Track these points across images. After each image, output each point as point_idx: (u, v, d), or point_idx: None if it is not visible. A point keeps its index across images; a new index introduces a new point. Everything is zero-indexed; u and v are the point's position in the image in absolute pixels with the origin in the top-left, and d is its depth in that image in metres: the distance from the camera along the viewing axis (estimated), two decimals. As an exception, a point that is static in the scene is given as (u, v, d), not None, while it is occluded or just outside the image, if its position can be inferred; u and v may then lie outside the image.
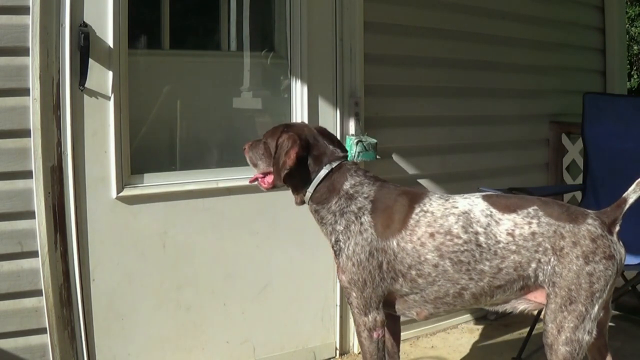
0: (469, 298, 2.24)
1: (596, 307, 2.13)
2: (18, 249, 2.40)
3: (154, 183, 2.73)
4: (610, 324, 3.54)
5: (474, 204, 2.23)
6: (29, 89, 2.37)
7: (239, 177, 2.93)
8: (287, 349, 3.09)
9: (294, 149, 2.22)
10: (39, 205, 2.41)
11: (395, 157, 3.37)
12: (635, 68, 10.98)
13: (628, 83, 9.52)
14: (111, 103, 2.55)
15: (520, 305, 2.27)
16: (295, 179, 2.28)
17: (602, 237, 2.16)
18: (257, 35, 3.62)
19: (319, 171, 2.26)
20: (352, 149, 3.09)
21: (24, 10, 2.34)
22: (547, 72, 4.09)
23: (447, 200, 2.26)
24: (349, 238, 2.22)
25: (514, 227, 2.17)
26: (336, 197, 2.24)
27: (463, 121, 3.65)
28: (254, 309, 2.98)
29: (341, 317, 3.23)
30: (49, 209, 2.41)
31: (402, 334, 3.40)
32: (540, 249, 2.15)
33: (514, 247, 2.16)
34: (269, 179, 2.37)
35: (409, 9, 3.36)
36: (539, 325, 3.21)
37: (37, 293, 2.43)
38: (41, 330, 2.44)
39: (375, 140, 3.13)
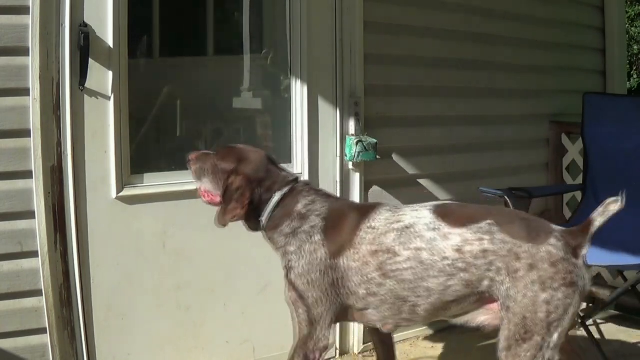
0: (424, 313, 2.11)
1: (555, 336, 1.96)
2: (18, 249, 2.40)
3: (154, 183, 2.73)
4: (610, 324, 3.57)
5: (420, 217, 2.09)
6: (29, 89, 2.37)
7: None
8: (287, 348, 3.08)
9: (245, 196, 2.17)
10: (39, 205, 2.40)
11: (395, 157, 3.37)
12: (635, 68, 10.98)
13: (628, 83, 9.51)
14: (111, 103, 2.55)
15: (480, 317, 2.11)
16: (248, 214, 2.22)
17: (564, 261, 1.96)
18: (256, 36, 3.62)
19: (271, 200, 2.20)
20: (352, 149, 3.09)
21: (24, 10, 2.34)
22: (547, 72, 4.09)
23: (394, 213, 2.13)
24: (301, 258, 2.14)
25: (463, 243, 2.00)
26: (288, 219, 2.17)
27: (463, 121, 3.65)
28: (254, 309, 2.98)
29: (341, 317, 3.23)
30: (49, 209, 2.41)
31: (402, 333, 3.42)
32: (493, 268, 1.97)
33: (462, 265, 2.00)
34: (213, 197, 2.28)
35: (409, 9, 3.36)
36: (539, 325, 3.21)
37: (37, 293, 2.43)
38: (41, 330, 2.44)
39: (375, 140, 3.13)
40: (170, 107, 3.36)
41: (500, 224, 2.02)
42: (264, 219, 2.21)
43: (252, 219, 2.23)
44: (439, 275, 2.02)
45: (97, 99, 2.52)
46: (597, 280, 3.76)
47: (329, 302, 2.14)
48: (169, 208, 2.75)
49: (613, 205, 2.02)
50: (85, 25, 2.44)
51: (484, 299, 2.06)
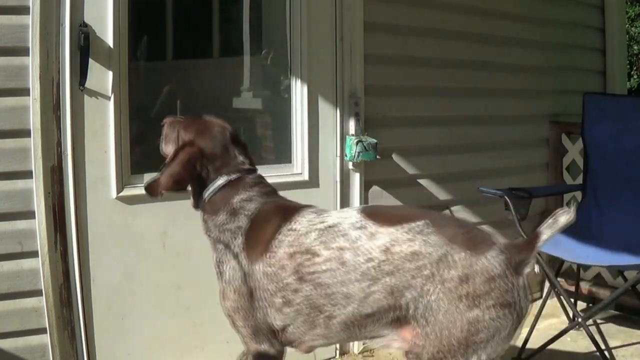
0: (339, 329, 1.91)
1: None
2: (18, 249, 2.40)
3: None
4: (610, 324, 3.57)
5: (346, 216, 1.92)
6: (29, 89, 2.37)
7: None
8: (288, 348, 3.08)
9: (185, 169, 2.04)
10: (39, 205, 2.40)
11: (395, 157, 3.37)
12: (635, 68, 10.98)
13: (628, 83, 9.51)
14: (111, 103, 2.54)
15: (396, 344, 1.90)
16: (196, 184, 2.11)
17: (501, 277, 1.75)
18: (256, 36, 3.62)
19: (215, 181, 2.07)
20: (352, 149, 3.09)
21: (24, 10, 2.34)
22: (547, 72, 4.09)
23: (319, 215, 1.98)
24: (227, 261, 2.01)
25: (393, 242, 1.81)
26: (224, 211, 2.04)
27: (463, 121, 3.65)
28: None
29: (341, 317, 3.23)
30: (49, 209, 2.41)
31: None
32: (422, 274, 1.77)
33: (388, 268, 1.80)
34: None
35: (409, 9, 3.36)
36: (539, 326, 3.22)
37: (37, 293, 2.43)
38: (41, 330, 2.44)
39: (375, 140, 3.13)
40: (171, 106, 3.36)
41: (437, 225, 1.83)
42: (205, 198, 2.08)
43: (197, 193, 2.11)
44: (361, 279, 1.83)
45: (97, 99, 2.52)
46: (597, 280, 3.76)
47: (254, 313, 1.98)
48: (169, 208, 2.75)
49: (563, 217, 1.82)
50: (85, 25, 2.44)
51: (400, 320, 1.84)
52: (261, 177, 2.17)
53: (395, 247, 1.81)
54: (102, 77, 2.52)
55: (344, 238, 1.87)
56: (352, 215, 1.93)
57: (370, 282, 1.82)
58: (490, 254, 1.78)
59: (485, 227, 3.70)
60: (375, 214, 1.92)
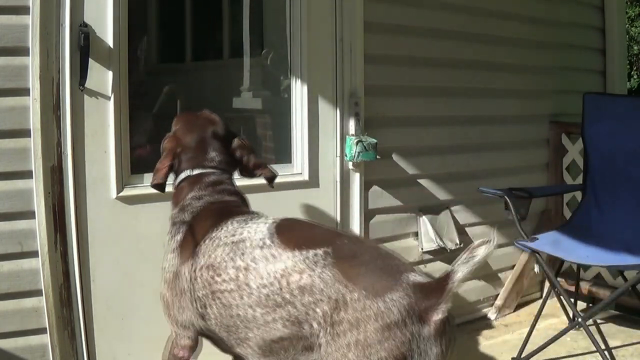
0: (258, 350, 1.78)
1: None
2: (18, 249, 2.40)
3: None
4: (610, 324, 3.57)
5: (257, 230, 1.80)
6: (29, 89, 2.37)
7: (238, 177, 2.92)
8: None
9: (167, 158, 2.09)
10: (39, 205, 2.40)
11: (395, 157, 3.37)
12: (635, 68, 10.98)
13: (628, 83, 9.51)
14: (111, 103, 2.54)
15: None
16: (173, 174, 2.15)
17: (400, 326, 1.50)
18: (256, 36, 3.62)
19: (181, 174, 2.10)
20: (352, 149, 3.09)
21: (24, 10, 2.34)
22: (547, 72, 4.08)
23: (242, 224, 1.87)
24: (167, 252, 2.00)
25: (289, 270, 1.66)
26: (177, 204, 2.07)
27: (463, 121, 3.65)
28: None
29: (341, 317, 3.23)
30: (49, 209, 2.41)
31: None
32: (315, 311, 1.59)
33: (282, 298, 1.65)
34: None
35: (409, 9, 3.36)
36: (539, 326, 3.22)
37: (37, 293, 2.43)
38: (41, 330, 2.44)
39: (375, 140, 3.13)
40: (171, 107, 3.37)
41: (339, 256, 1.63)
42: (172, 187, 2.10)
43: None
44: (256, 305, 1.70)
45: (97, 99, 2.52)
46: (597, 280, 3.76)
47: (181, 309, 1.92)
48: (169, 208, 2.74)
49: (481, 250, 1.56)
50: (85, 25, 2.44)
51: (312, 348, 1.66)
52: (224, 177, 2.12)
53: (290, 276, 1.66)
54: (102, 77, 2.51)
55: (245, 257, 1.75)
56: (263, 230, 1.81)
57: (266, 310, 1.69)
58: (390, 297, 1.53)
59: (484, 228, 3.73)
60: (286, 231, 1.79)
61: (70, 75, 2.43)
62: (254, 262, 1.73)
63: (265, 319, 1.69)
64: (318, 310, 1.58)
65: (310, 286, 1.62)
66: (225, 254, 1.80)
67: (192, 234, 1.94)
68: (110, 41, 2.52)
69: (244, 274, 1.74)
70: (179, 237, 1.99)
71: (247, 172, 2.27)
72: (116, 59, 2.54)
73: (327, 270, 1.62)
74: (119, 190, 2.59)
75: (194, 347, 1.99)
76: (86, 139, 2.50)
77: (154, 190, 2.68)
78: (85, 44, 2.42)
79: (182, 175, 2.09)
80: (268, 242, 1.75)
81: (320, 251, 1.66)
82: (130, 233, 2.65)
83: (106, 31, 2.51)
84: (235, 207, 2.03)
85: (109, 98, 2.54)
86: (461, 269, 1.55)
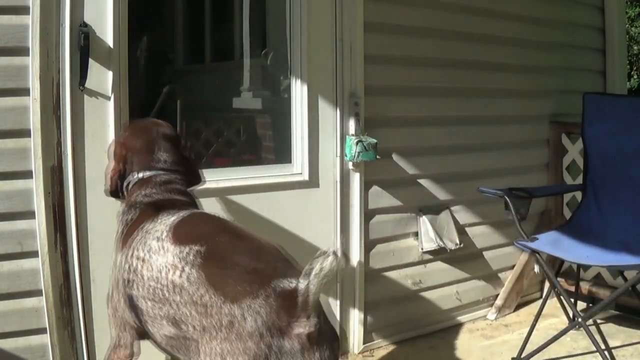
0: (161, 347, 1.76)
1: None
2: (18, 249, 2.40)
3: None
4: (610, 324, 3.57)
5: (164, 222, 1.76)
6: (29, 89, 2.37)
7: (239, 177, 2.93)
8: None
9: (115, 163, 2.10)
10: (39, 205, 2.40)
11: (395, 157, 3.37)
12: (635, 68, 10.98)
13: (628, 83, 9.51)
14: (111, 103, 2.54)
15: None
16: (122, 179, 2.13)
17: (254, 337, 1.37)
18: (256, 36, 3.62)
19: (131, 177, 2.08)
20: (352, 149, 3.09)
21: (24, 10, 2.34)
22: (547, 72, 4.08)
23: (167, 217, 1.82)
24: (113, 250, 1.99)
25: (168, 266, 1.61)
26: (126, 204, 2.04)
27: (463, 121, 3.65)
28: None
29: (341, 317, 3.23)
30: (49, 209, 2.41)
31: (402, 333, 3.43)
32: (182, 311, 1.52)
33: (161, 295, 1.60)
34: None
35: (409, 9, 3.36)
36: (539, 325, 3.22)
37: (37, 293, 2.43)
38: (41, 330, 2.44)
39: (375, 140, 3.13)
40: (170, 107, 3.37)
41: (209, 256, 1.54)
42: (124, 192, 2.10)
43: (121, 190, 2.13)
44: (147, 297, 1.65)
45: (97, 99, 2.52)
46: (597, 280, 3.76)
47: (120, 305, 1.86)
48: None
49: (327, 262, 1.39)
50: (85, 25, 2.44)
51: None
52: (174, 177, 2.10)
53: (168, 272, 1.60)
54: (102, 77, 2.51)
55: (145, 248, 1.71)
56: (168, 222, 1.76)
57: (154, 304, 1.63)
58: (247, 304, 1.39)
59: (484, 228, 3.73)
60: (182, 224, 1.73)
61: (70, 75, 2.43)
62: (149, 253, 1.69)
63: (155, 313, 1.64)
64: (187, 312, 1.51)
65: (180, 286, 1.55)
66: (137, 243, 1.77)
67: (131, 227, 1.92)
68: (110, 41, 2.52)
69: (141, 265, 1.71)
70: (120, 228, 1.98)
71: (192, 175, 2.23)
72: (116, 59, 2.54)
73: (194, 271, 1.54)
74: None
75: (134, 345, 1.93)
76: (86, 139, 2.50)
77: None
78: (85, 44, 2.42)
79: (133, 179, 2.08)
80: (164, 234, 1.70)
81: (194, 248, 1.58)
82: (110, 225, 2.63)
83: (106, 31, 2.51)
84: (179, 204, 1.96)
85: (109, 98, 2.54)
86: (313, 284, 1.39)
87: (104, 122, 2.54)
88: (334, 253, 1.40)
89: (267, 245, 1.66)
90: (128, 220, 1.96)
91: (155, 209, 1.92)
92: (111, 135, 2.55)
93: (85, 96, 2.49)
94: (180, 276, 1.55)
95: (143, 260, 1.70)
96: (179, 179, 2.10)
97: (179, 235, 1.67)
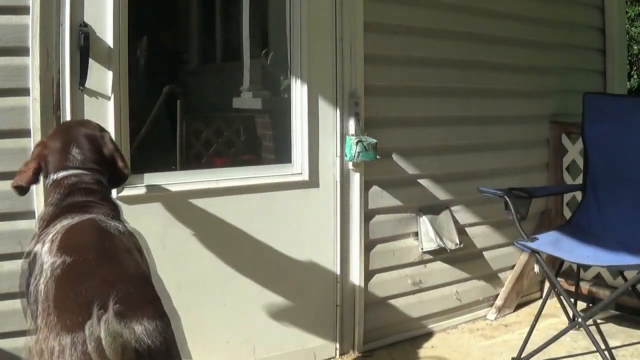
0: None
1: None
2: (18, 249, 2.40)
3: (154, 183, 2.73)
4: (610, 324, 3.57)
5: (57, 226, 1.79)
6: (29, 89, 2.37)
7: (239, 177, 2.93)
8: (287, 349, 3.09)
9: (32, 162, 2.05)
10: (39, 205, 2.40)
11: (395, 157, 3.37)
12: (635, 68, 10.97)
13: (628, 83, 9.51)
14: (111, 103, 2.54)
15: None
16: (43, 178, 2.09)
17: None
18: (256, 36, 3.62)
19: (48, 179, 2.04)
20: (352, 149, 3.09)
21: (24, 10, 2.34)
22: (547, 72, 4.08)
23: (66, 221, 1.82)
24: None
25: (39, 270, 1.63)
26: (46, 205, 2.01)
27: (463, 121, 3.65)
28: (254, 309, 2.98)
29: (341, 317, 3.23)
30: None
31: (402, 333, 3.43)
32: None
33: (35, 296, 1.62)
34: None
35: (409, 9, 3.36)
36: (539, 326, 3.22)
37: (37, 293, 2.42)
38: (41, 330, 2.43)
39: (375, 140, 3.13)
40: (170, 107, 3.37)
41: (70, 271, 1.53)
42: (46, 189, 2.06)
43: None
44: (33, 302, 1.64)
45: (97, 99, 2.52)
46: (597, 280, 3.76)
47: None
48: (169, 208, 2.75)
49: (101, 324, 1.30)
50: (85, 25, 2.44)
51: None
52: (87, 177, 2.05)
53: (38, 276, 1.60)
54: (102, 77, 2.52)
55: (39, 249, 1.72)
56: (61, 226, 1.78)
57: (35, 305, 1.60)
58: (68, 339, 1.35)
59: (484, 228, 3.73)
60: (69, 233, 1.74)
61: (70, 75, 2.43)
62: (40, 256, 1.70)
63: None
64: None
65: (37, 294, 1.56)
66: (37, 247, 1.77)
67: (43, 229, 1.88)
68: (110, 41, 2.52)
69: (33, 265, 1.72)
70: (37, 229, 1.97)
71: (113, 173, 2.17)
72: (116, 58, 2.54)
73: (49, 282, 1.54)
74: (119, 190, 2.59)
75: None
76: None
77: (156, 192, 2.69)
78: (86, 44, 2.42)
79: (49, 180, 2.04)
80: (50, 240, 1.71)
81: (63, 259, 1.58)
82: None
83: (106, 31, 2.51)
84: (82, 207, 1.94)
85: (109, 98, 2.54)
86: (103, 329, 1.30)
87: (103, 123, 2.52)
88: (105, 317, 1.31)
89: (127, 273, 1.64)
90: (42, 224, 1.94)
91: (60, 212, 1.91)
92: (111, 135, 2.55)
93: (85, 96, 2.49)
94: (38, 285, 1.56)
95: (35, 261, 1.71)
96: (93, 179, 2.05)
97: (61, 242, 1.68)
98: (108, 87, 2.53)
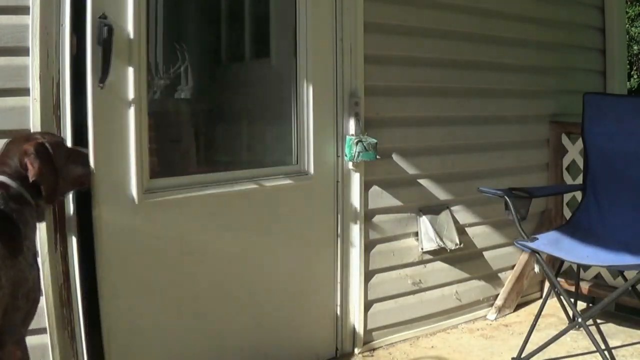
0: None
1: None
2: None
3: (170, 187, 2.69)
4: (610, 324, 3.57)
5: None
6: (29, 89, 2.37)
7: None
8: (287, 349, 3.09)
9: None
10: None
11: (395, 157, 3.37)
12: (635, 68, 10.98)
13: (628, 83, 9.51)
14: (132, 101, 2.48)
15: None
16: None
17: None
18: (259, 37, 3.62)
19: None
20: (352, 149, 3.09)
21: (24, 10, 2.34)
22: (547, 72, 4.09)
23: None
24: None
25: None
26: None
27: (463, 121, 3.65)
28: (255, 310, 2.98)
29: (341, 317, 3.23)
30: (48, 209, 2.40)
31: (402, 333, 3.43)
32: None
33: None
34: None
35: (409, 9, 3.36)
36: (539, 326, 3.22)
37: (37, 293, 2.42)
38: (41, 330, 2.43)
39: (375, 140, 3.13)
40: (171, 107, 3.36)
41: None
42: None
43: None
44: None
45: (118, 97, 2.45)
46: (597, 280, 3.76)
47: None
48: (185, 212, 2.72)
49: None
50: (105, 16, 2.34)
51: None
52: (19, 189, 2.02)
53: None
54: (122, 73, 2.45)
55: None
56: None
57: None
58: None
59: (484, 228, 3.73)
60: None
61: (91, 72, 2.36)
62: None
63: None
64: None
65: None
66: None
67: None
68: (131, 34, 2.45)
69: None
70: None
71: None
72: (136, 54, 2.47)
73: None
74: (138, 194, 2.55)
75: None
76: (104, 141, 2.44)
77: (172, 196, 2.65)
78: (108, 38, 2.33)
79: None
80: None
81: None
82: (132, 233, 2.64)
83: (126, 23, 2.43)
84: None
85: (129, 96, 2.48)
86: None
87: (124, 122, 2.48)
88: None
89: None
90: None
91: None
92: (132, 137, 2.50)
93: (105, 94, 2.42)
94: None
95: None
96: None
97: None
98: (129, 84, 2.47)
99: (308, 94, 3.06)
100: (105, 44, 2.36)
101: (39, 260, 2.41)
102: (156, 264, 2.66)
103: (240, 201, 2.88)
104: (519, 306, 3.90)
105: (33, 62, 2.35)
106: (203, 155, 3.48)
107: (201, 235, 2.78)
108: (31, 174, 2.00)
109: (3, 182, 2.00)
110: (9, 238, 1.92)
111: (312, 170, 3.09)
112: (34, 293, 1.99)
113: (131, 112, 2.50)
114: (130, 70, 2.48)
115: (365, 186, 3.24)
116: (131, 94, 2.49)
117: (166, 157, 3.09)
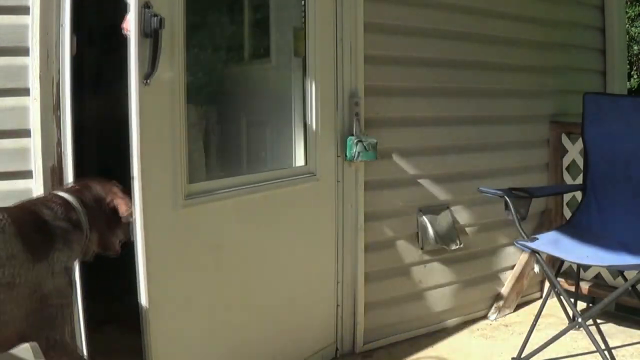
0: None
1: None
2: (18, 248, 2.39)
3: (208, 192, 2.63)
4: (610, 324, 3.57)
5: None
6: (29, 89, 2.37)
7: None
8: (287, 349, 3.09)
9: None
10: (38, 205, 2.39)
11: (395, 157, 3.37)
12: (635, 68, 10.97)
13: (628, 83, 9.50)
14: (177, 98, 2.40)
15: None
16: None
17: None
18: (260, 38, 3.61)
19: None
20: (352, 149, 3.09)
21: (24, 10, 2.34)
22: (547, 72, 4.09)
23: None
24: None
25: None
26: None
27: (463, 121, 3.65)
28: (256, 310, 2.97)
29: (341, 317, 3.23)
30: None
31: (402, 333, 3.43)
32: None
33: None
34: None
35: (409, 9, 3.36)
36: (539, 326, 3.22)
37: (37, 293, 2.42)
38: (41, 330, 2.43)
39: (375, 140, 3.13)
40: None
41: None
42: None
43: None
44: None
45: (164, 94, 2.35)
46: (597, 280, 3.76)
47: None
48: (223, 217, 2.70)
49: None
50: (149, 6, 2.17)
51: None
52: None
53: None
54: (166, 68, 2.33)
55: None
56: None
57: None
58: None
59: (484, 228, 3.73)
60: None
61: (136, 67, 2.20)
62: None
63: None
64: None
65: None
66: None
67: None
68: (175, 25, 2.34)
69: None
70: None
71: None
72: (177, 46, 2.37)
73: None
74: (182, 198, 2.49)
75: None
76: (148, 142, 2.30)
77: (211, 201, 2.59)
78: (158, 30, 2.18)
79: None
80: None
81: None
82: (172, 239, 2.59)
83: (172, 14, 2.31)
84: None
85: (175, 93, 2.39)
86: None
87: (168, 121, 2.38)
88: None
89: None
90: None
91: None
92: (176, 138, 2.40)
93: (150, 92, 2.27)
94: None
95: None
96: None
97: None
98: (175, 80, 2.36)
99: (316, 94, 3.04)
100: (155, 36, 2.19)
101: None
102: (192, 270, 2.58)
103: (264, 203, 2.86)
104: (519, 306, 3.90)
105: (33, 62, 2.35)
106: (223, 158, 3.46)
107: (234, 240, 2.73)
108: (125, 211, 2.17)
109: (70, 202, 2.09)
110: (37, 244, 1.95)
111: (318, 171, 3.09)
112: (58, 299, 2.02)
113: (176, 111, 2.40)
114: (176, 65, 2.37)
115: (366, 186, 3.24)
116: (176, 92, 2.39)
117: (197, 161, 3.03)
